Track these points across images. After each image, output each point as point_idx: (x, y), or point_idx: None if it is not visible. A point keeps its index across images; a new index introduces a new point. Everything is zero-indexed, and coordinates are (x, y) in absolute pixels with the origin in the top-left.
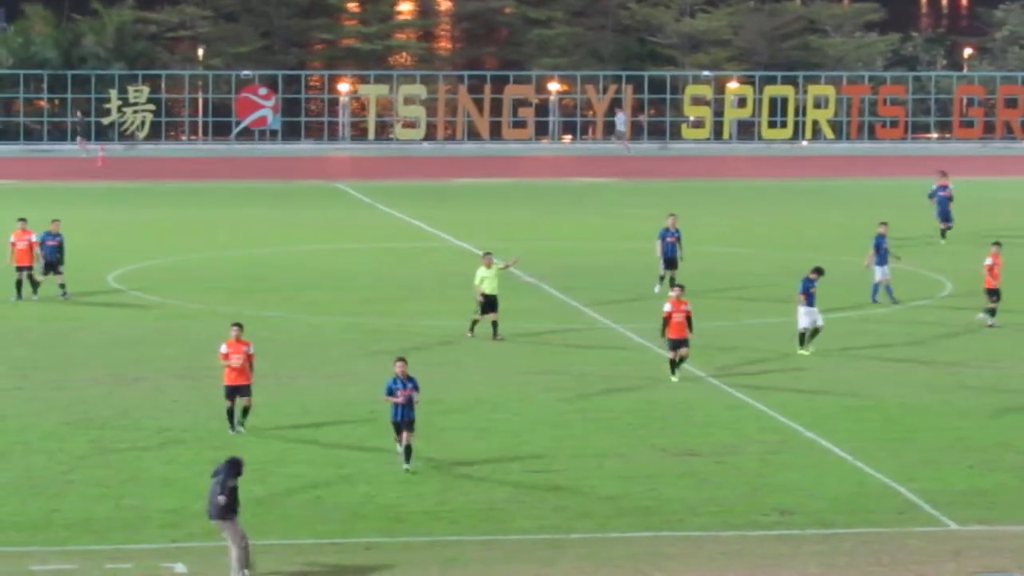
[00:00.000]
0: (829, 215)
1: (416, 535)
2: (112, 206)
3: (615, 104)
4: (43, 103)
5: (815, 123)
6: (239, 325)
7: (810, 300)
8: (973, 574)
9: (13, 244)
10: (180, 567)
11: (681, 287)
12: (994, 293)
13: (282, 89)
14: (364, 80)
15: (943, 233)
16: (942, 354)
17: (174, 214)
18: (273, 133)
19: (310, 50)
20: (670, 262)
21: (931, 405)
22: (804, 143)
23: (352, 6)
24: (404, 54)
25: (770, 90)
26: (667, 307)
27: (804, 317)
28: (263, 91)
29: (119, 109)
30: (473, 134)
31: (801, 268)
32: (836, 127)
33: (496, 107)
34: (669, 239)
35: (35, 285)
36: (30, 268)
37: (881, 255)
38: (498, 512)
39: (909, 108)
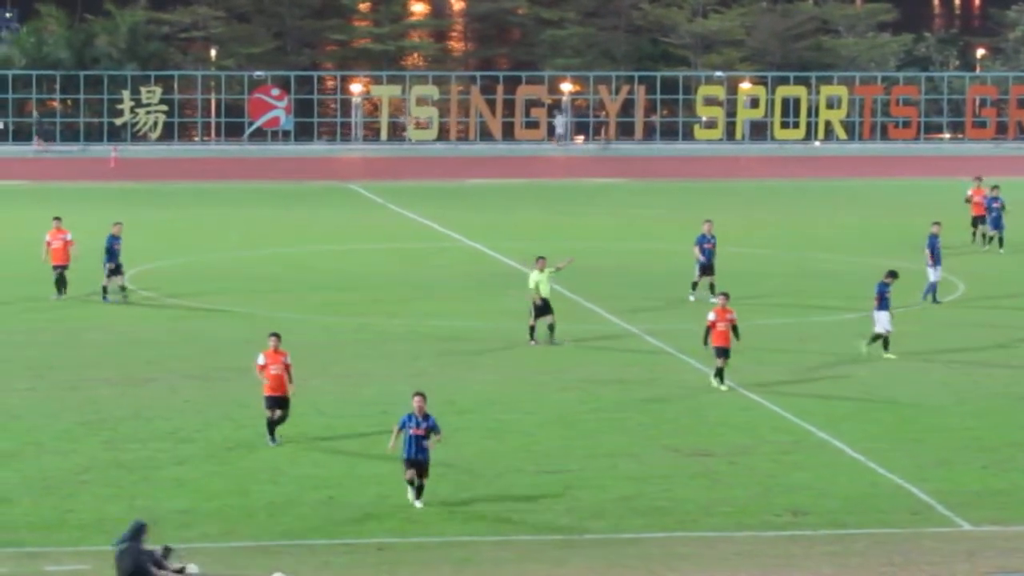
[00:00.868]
0: (841, 215)
1: (429, 535)
2: (124, 207)
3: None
4: (55, 103)
5: (828, 123)
6: (276, 335)
7: (884, 304)
8: (986, 575)
9: (48, 243)
10: (192, 568)
11: (726, 295)
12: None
13: (295, 90)
14: (377, 81)
15: (1000, 241)
16: (955, 355)
17: (186, 215)
18: (286, 134)
19: (323, 51)
20: (707, 268)
21: (944, 405)
22: (816, 143)
23: (365, 7)
24: (416, 55)
25: (783, 91)
26: (711, 316)
27: (884, 321)
28: (276, 92)
29: (132, 110)
30: (485, 134)
31: (813, 268)
32: (848, 127)
33: (509, 107)
34: (707, 245)
35: (63, 286)
36: (66, 267)
37: (935, 255)
38: (511, 512)
39: (922, 108)
